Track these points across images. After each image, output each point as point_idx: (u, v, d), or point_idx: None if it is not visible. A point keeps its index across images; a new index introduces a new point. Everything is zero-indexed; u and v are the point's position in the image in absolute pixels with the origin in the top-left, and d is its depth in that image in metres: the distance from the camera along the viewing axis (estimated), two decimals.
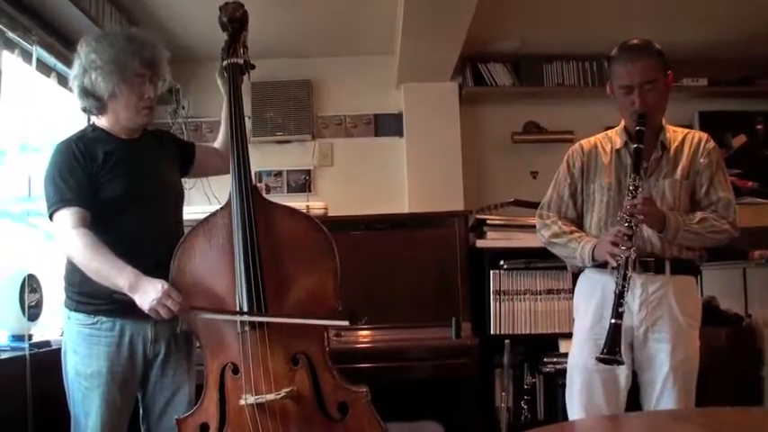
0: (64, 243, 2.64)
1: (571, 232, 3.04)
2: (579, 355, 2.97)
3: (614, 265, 2.74)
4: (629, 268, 2.70)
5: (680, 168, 2.95)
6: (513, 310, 4.38)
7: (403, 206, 5.54)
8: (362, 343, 4.09)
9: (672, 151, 2.98)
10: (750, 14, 4.86)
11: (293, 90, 5.68)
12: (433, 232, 4.43)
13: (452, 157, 5.57)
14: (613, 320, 2.68)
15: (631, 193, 2.78)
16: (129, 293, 2.54)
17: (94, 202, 2.67)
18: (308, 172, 5.75)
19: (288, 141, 5.73)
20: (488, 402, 4.42)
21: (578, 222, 3.13)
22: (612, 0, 4.74)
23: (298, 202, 4.58)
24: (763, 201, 3.79)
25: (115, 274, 2.54)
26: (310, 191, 5.71)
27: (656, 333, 2.83)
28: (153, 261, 2.68)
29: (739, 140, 5.30)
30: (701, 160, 2.95)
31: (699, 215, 2.87)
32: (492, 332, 4.41)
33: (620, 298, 2.68)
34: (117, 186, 2.69)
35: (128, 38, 2.73)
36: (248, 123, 5.32)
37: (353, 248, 4.13)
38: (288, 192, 5.67)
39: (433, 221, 4.49)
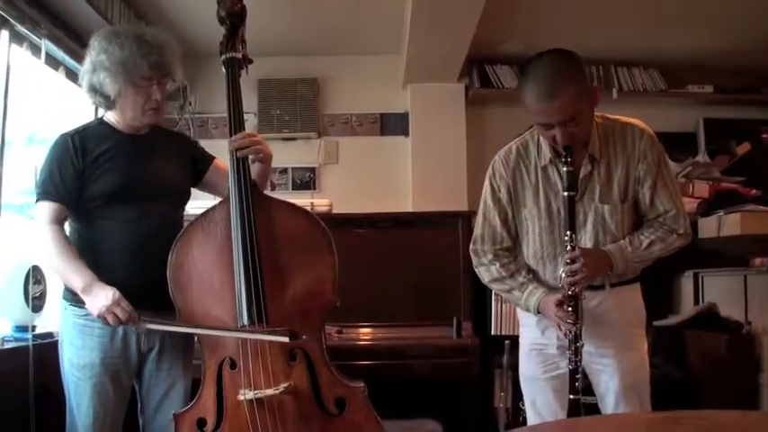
0: (36, 235, 2.71)
1: (512, 276, 2.77)
2: (526, 367, 2.86)
3: (561, 334, 2.60)
4: (580, 341, 2.53)
5: (616, 184, 2.65)
6: (514, 311, 4.37)
7: (407, 205, 5.57)
8: (363, 340, 4.11)
9: (603, 163, 2.66)
10: (756, 22, 4.87)
11: (300, 88, 5.71)
12: (437, 232, 4.44)
13: (457, 157, 5.60)
14: (572, 396, 2.55)
15: (567, 252, 2.55)
16: (81, 295, 2.61)
17: (84, 197, 2.71)
18: (313, 169, 5.78)
19: (293, 139, 5.76)
20: (487, 402, 4.43)
21: (515, 248, 2.87)
22: (619, 5, 4.76)
23: (302, 200, 4.61)
24: (765, 208, 3.79)
25: (72, 275, 2.62)
26: (315, 188, 5.74)
27: (600, 348, 2.67)
28: (142, 255, 2.72)
29: (743, 148, 5.30)
30: (639, 167, 2.64)
31: (645, 240, 2.63)
32: (492, 333, 4.42)
33: (575, 374, 2.54)
34: (108, 181, 2.72)
35: (137, 39, 2.71)
36: (254, 120, 5.38)
37: (357, 246, 4.16)
38: (293, 189, 5.70)
39: (437, 221, 4.50)
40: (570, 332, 2.54)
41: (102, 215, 2.73)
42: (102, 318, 2.57)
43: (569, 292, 2.53)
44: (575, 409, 2.55)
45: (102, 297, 2.56)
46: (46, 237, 2.65)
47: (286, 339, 2.55)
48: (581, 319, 2.55)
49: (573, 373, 2.55)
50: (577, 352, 2.53)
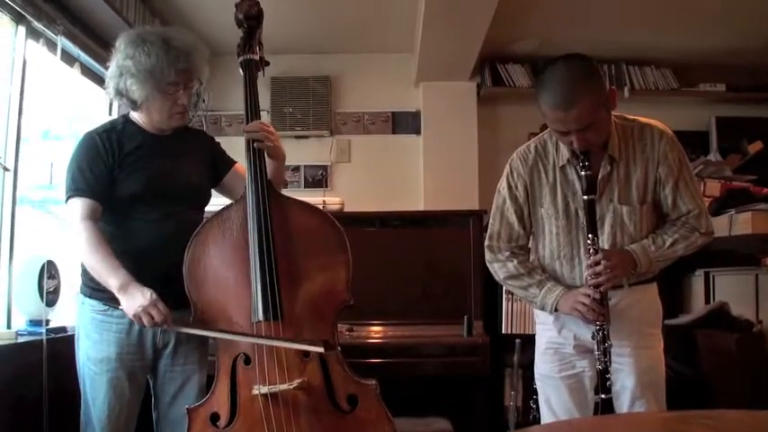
0: (72, 232, 2.70)
1: (529, 273, 2.77)
2: (543, 366, 2.84)
3: (585, 321, 2.60)
4: (608, 341, 2.54)
5: (634, 186, 2.64)
6: (525, 309, 4.38)
7: (418, 204, 5.59)
8: (375, 338, 4.11)
9: (622, 164, 2.64)
10: None
11: (312, 86, 5.74)
12: (448, 230, 4.43)
13: (469, 156, 5.62)
14: (603, 396, 2.55)
15: (590, 255, 2.56)
16: (117, 294, 2.58)
17: (111, 196, 2.71)
18: (326, 167, 5.81)
19: (306, 137, 5.79)
20: (497, 401, 4.43)
21: (528, 247, 2.89)
22: (631, 4, 4.76)
23: (314, 198, 4.63)
24: None
25: (108, 273, 2.59)
26: (327, 186, 5.77)
27: (618, 347, 2.60)
28: (166, 257, 2.72)
29: (755, 147, 5.30)
30: (660, 169, 2.63)
31: (668, 239, 2.64)
32: (503, 331, 4.42)
33: (605, 374, 2.54)
34: (135, 181, 2.72)
35: (164, 46, 2.69)
36: (267, 118, 5.40)
37: (368, 244, 4.16)
38: (305, 187, 5.74)
39: (448, 220, 4.50)
40: (598, 334, 2.55)
41: (126, 215, 2.74)
42: (136, 318, 2.56)
43: (596, 296, 2.54)
44: (606, 409, 2.54)
45: (139, 297, 2.55)
46: (81, 234, 2.63)
47: (321, 349, 2.56)
48: (608, 320, 2.55)
49: (602, 373, 2.54)
50: (606, 352, 2.53)
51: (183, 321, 2.69)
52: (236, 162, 3.10)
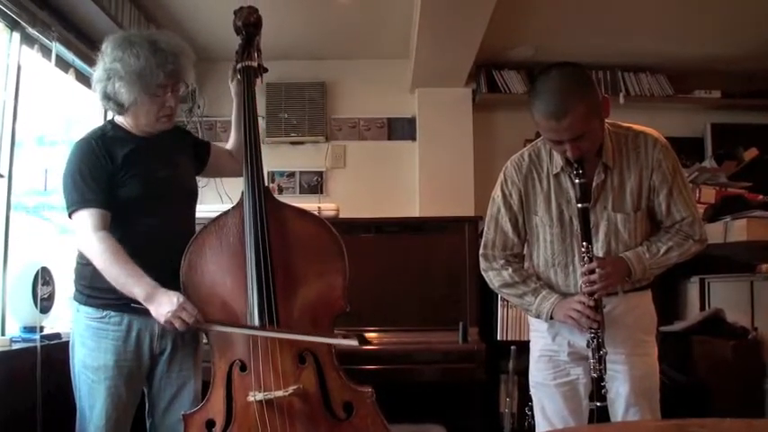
0: (83, 245, 2.64)
1: (524, 281, 2.76)
2: (537, 373, 2.83)
3: (580, 330, 2.60)
4: (603, 348, 2.54)
5: (628, 193, 2.63)
6: (521, 316, 4.38)
7: (414, 210, 5.59)
8: (370, 345, 4.11)
9: (616, 172, 2.64)
10: (764, 27, 4.87)
11: (308, 92, 5.74)
12: (444, 236, 4.42)
13: (464, 162, 5.63)
14: (598, 403, 2.54)
15: (584, 263, 2.56)
16: (144, 303, 2.57)
17: (113, 202, 2.68)
18: (321, 173, 5.81)
19: (301, 142, 5.79)
20: (493, 407, 4.43)
21: (523, 255, 2.87)
22: (627, 11, 4.77)
23: (310, 204, 4.60)
24: None
25: (132, 283, 2.56)
26: (322, 192, 5.77)
27: (612, 354, 2.60)
28: (166, 260, 2.71)
29: (751, 153, 5.30)
30: (654, 177, 2.62)
31: (663, 247, 2.63)
32: (498, 338, 4.41)
33: (599, 381, 2.53)
34: (133, 187, 2.70)
35: (152, 48, 2.67)
36: (262, 123, 5.40)
37: (364, 251, 4.15)
38: (300, 192, 5.73)
39: (444, 226, 4.48)
40: (593, 342, 2.54)
41: (126, 219, 2.71)
42: (168, 324, 2.56)
43: (591, 303, 2.54)
44: (601, 417, 2.54)
45: (166, 304, 2.55)
46: (96, 247, 2.59)
47: (355, 343, 2.58)
48: (603, 327, 2.55)
49: (597, 381, 2.54)
50: (601, 360, 2.53)
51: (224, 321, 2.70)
52: (208, 141, 3.15)
